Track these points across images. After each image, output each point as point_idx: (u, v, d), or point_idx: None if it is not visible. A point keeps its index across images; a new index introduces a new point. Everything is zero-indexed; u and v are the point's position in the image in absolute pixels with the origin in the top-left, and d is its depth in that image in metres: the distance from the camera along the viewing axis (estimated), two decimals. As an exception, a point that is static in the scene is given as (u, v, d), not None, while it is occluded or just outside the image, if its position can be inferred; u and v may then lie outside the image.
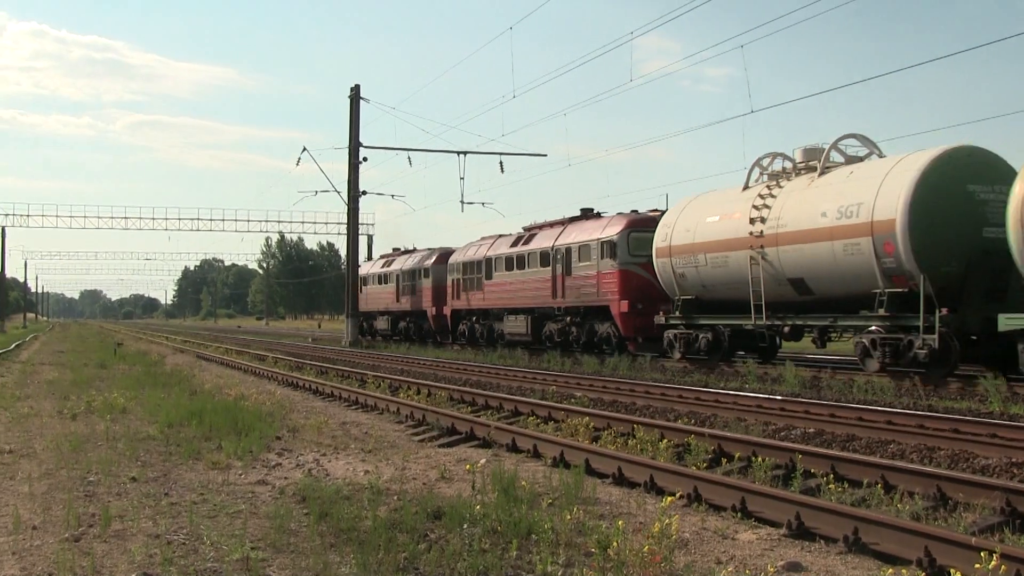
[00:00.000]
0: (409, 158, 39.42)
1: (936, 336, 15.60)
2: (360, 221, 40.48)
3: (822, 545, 5.80)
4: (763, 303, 19.41)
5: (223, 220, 74.07)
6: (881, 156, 19.04)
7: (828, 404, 12.37)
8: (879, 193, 16.74)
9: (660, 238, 22.85)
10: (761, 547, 5.82)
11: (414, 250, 42.72)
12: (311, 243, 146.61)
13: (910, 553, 5.31)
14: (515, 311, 30.35)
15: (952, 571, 4.61)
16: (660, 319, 23.01)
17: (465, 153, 38.78)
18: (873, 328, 17.09)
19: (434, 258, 38.14)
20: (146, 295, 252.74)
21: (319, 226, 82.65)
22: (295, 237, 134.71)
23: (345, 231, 41.20)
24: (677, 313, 22.45)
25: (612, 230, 25.65)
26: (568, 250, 27.20)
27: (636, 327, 24.44)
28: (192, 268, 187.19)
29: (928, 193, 16.13)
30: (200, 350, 35.65)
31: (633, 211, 26.84)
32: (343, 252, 47.75)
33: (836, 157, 19.44)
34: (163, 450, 9.69)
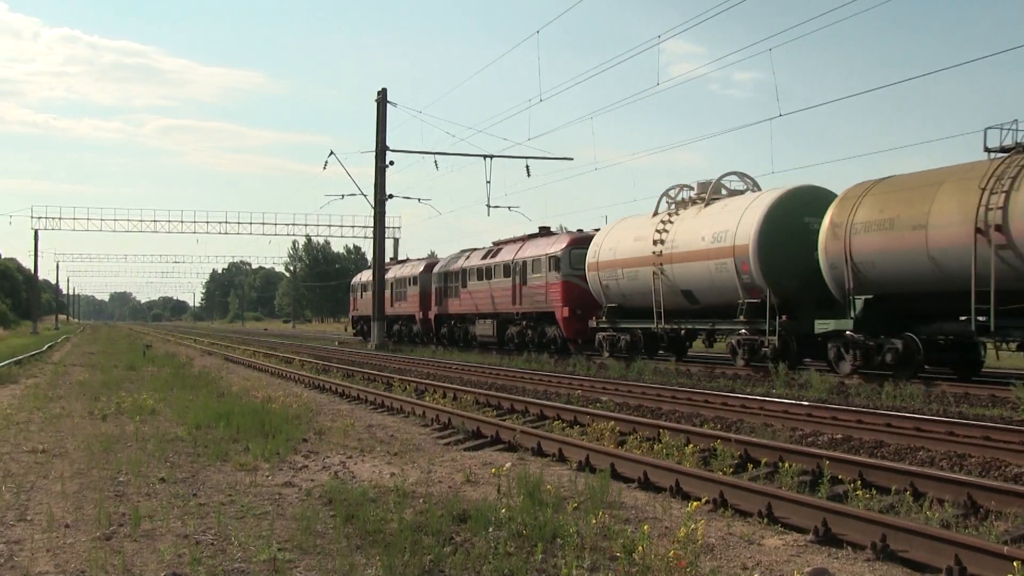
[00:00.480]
0: (436, 162, 39.51)
1: (776, 337, 20.24)
2: (387, 224, 40.67)
3: (849, 552, 5.77)
4: (663, 311, 23.99)
5: (251, 223, 74.94)
6: (756, 190, 23.51)
7: (855, 410, 12.27)
8: (739, 223, 21.27)
9: (591, 255, 27.42)
10: (787, 553, 5.79)
11: (407, 260, 47.91)
12: (338, 246, 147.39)
13: (940, 561, 5.25)
14: (484, 316, 34.95)
15: (982, 580, 4.56)
16: (592, 323, 27.51)
17: (491, 157, 38.85)
18: (741, 331, 21.57)
19: (422, 267, 42.24)
20: (175, 298, 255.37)
21: (346, 229, 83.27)
22: (322, 240, 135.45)
23: (372, 234, 41.39)
24: (604, 319, 26.88)
25: (557, 247, 30.16)
26: (524, 263, 31.61)
27: (575, 330, 28.74)
28: (220, 271, 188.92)
29: (772, 224, 20.66)
30: (228, 352, 35.92)
31: (579, 230, 31.43)
32: (370, 255, 47.99)
33: (738, 185, 24.33)
34: (191, 451, 9.78)
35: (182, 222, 72.72)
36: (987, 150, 16.42)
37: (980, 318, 15.63)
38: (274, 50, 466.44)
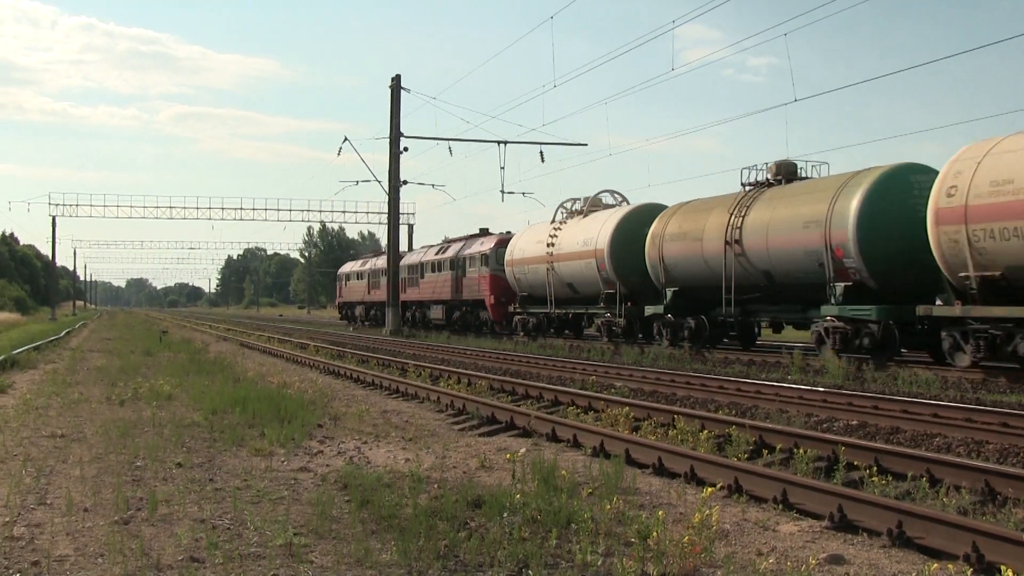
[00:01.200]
0: (450, 148, 39.50)
1: (623, 319, 27.28)
2: (401, 210, 40.68)
3: (865, 538, 5.75)
4: (554, 299, 30.97)
5: (265, 210, 74.83)
6: (624, 204, 29.98)
7: (872, 396, 12.23)
8: (600, 231, 28.04)
9: (508, 253, 34.28)
10: (803, 539, 5.78)
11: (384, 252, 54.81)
12: (352, 232, 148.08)
13: (957, 548, 5.23)
14: (437, 302, 42.04)
15: (1003, 568, 4.54)
16: (511, 309, 34.74)
17: (505, 143, 38.77)
18: (606, 315, 28.37)
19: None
20: (190, 284, 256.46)
21: (360, 215, 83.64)
22: (336, 226, 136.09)
23: (386, 220, 41.42)
24: (518, 305, 34.06)
25: (487, 246, 37.19)
26: (464, 259, 38.97)
27: (500, 314, 35.76)
28: (235, 257, 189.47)
29: (621, 233, 27.43)
30: (243, 338, 36.09)
31: (508, 232, 37.70)
32: (384, 241, 48.24)
33: (610, 200, 31.03)
34: (207, 437, 9.84)
35: (197, 208, 73.02)
36: (742, 184, 23.38)
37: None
38: (288, 37, 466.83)
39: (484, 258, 37.04)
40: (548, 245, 30.58)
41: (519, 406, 12.17)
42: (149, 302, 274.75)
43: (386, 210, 41.06)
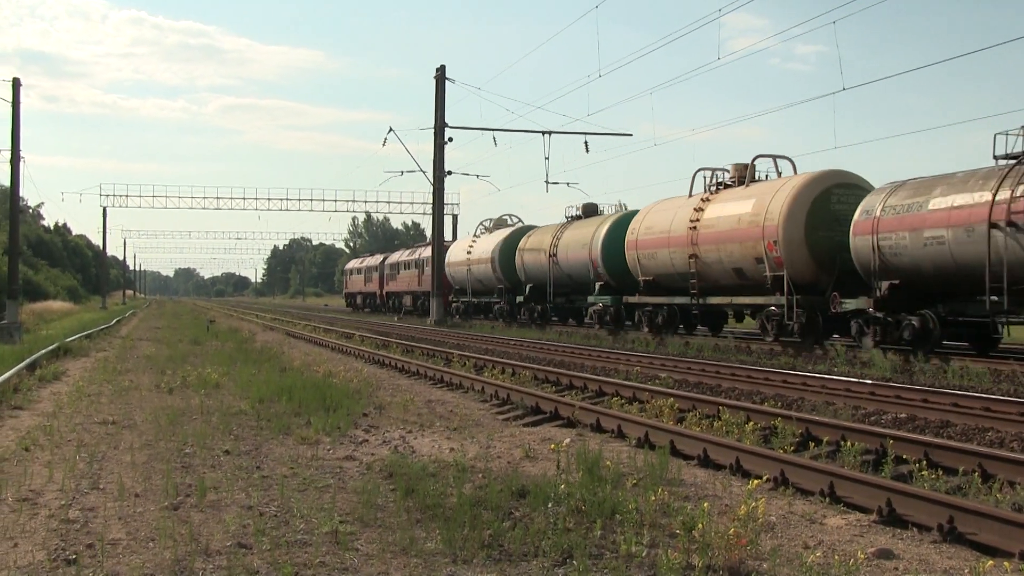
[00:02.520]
0: (494, 138, 39.59)
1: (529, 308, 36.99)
2: (445, 201, 40.84)
3: (914, 533, 5.66)
4: (470, 289, 43.57)
5: (311, 200, 75.71)
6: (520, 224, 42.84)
7: (921, 389, 12.03)
8: (492, 247, 40.03)
9: (448, 256, 44.94)
10: (850, 533, 5.71)
11: (378, 252, 71.55)
12: (397, 222, 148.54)
13: (1012, 546, 5.13)
14: (408, 293, 53.99)
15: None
16: (452, 299, 45.92)
17: (550, 133, 38.74)
18: (518, 301, 37.53)
19: (382, 258, 62.24)
20: (237, 273, 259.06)
21: (405, 206, 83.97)
22: (381, 217, 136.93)
23: (431, 211, 41.62)
24: (453, 295, 45.85)
25: (428, 252, 46.10)
26: (423, 259, 49.65)
27: (445, 302, 43.32)
28: (281, 247, 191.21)
29: (505, 247, 38.62)
30: (289, 328, 36.47)
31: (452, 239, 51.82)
32: (429, 231, 48.64)
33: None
34: (254, 425, 9.96)
35: (244, 199, 74.13)
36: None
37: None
38: (334, 28, 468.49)
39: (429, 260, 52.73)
40: (468, 252, 43.16)
41: (563, 396, 12.16)
42: (196, 291, 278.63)
43: (431, 200, 41.23)
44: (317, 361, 18.69)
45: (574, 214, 36.23)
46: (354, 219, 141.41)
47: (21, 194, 38.06)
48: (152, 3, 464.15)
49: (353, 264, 78.17)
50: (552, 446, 7.96)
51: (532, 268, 36.02)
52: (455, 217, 67.59)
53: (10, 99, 34.05)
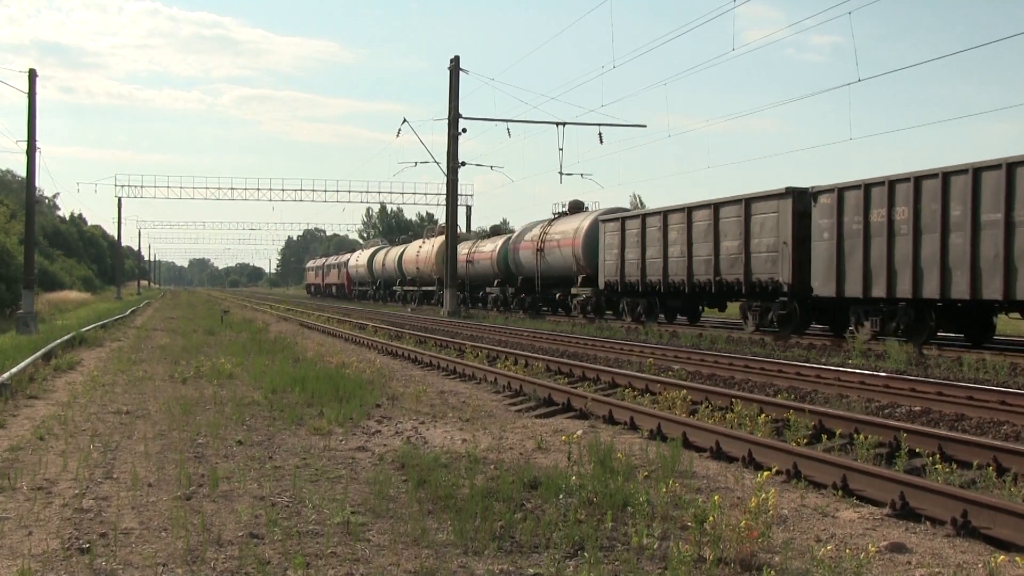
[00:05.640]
0: (508, 129, 39.38)
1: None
2: (459, 192, 40.81)
3: (928, 527, 5.64)
4: (405, 281, 56.87)
5: (325, 191, 75.58)
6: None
7: (936, 382, 11.96)
8: (432, 249, 50.27)
9: (403, 255, 57.14)
10: (863, 526, 5.68)
11: (355, 250, 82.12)
12: (410, 213, 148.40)
13: (1024, 539, 5.10)
14: (339, 285, 68.45)
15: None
16: (364, 289, 65.19)
17: (564, 124, 38.56)
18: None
19: (349, 256, 74.26)
20: (251, 264, 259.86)
21: (419, 197, 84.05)
22: (395, 208, 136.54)
23: (444, 202, 41.59)
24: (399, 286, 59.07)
25: (344, 258, 74.48)
26: (345, 262, 68.11)
27: (349, 290, 66.29)
28: (295, 238, 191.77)
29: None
30: (303, 318, 36.57)
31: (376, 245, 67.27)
32: (442, 222, 48.63)
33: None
34: (267, 415, 10.00)
35: (258, 190, 74.12)
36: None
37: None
38: (348, 19, 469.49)
39: (346, 263, 73.74)
40: (416, 257, 54.35)
41: (576, 388, 12.15)
42: (211, 282, 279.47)
43: (444, 191, 41.23)
44: (331, 352, 18.73)
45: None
46: (368, 210, 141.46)
47: (37, 184, 38.30)
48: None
49: (310, 264, 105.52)
50: (564, 438, 7.96)
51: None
52: (468, 208, 67.52)
53: (27, 90, 34.19)
